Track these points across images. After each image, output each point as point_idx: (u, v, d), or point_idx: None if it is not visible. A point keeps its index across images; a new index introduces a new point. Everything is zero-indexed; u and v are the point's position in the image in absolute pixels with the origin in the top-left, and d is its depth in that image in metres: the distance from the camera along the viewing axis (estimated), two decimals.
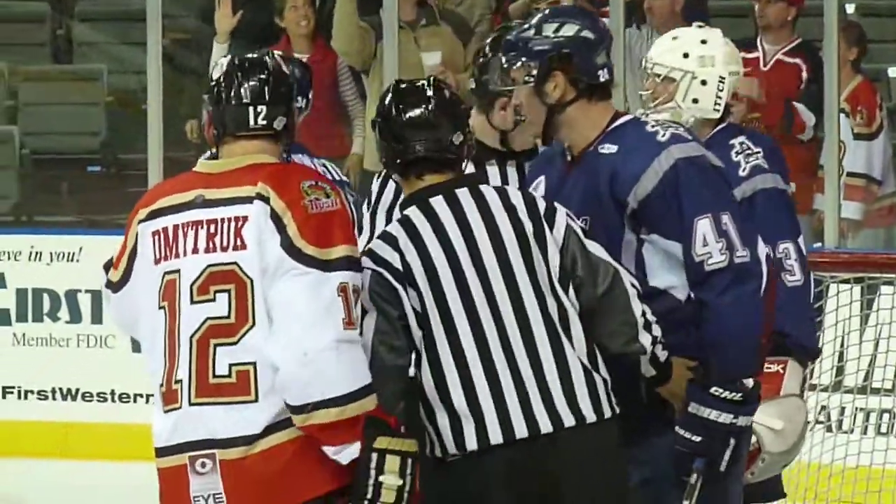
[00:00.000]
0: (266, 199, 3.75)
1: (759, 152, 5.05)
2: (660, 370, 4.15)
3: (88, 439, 9.36)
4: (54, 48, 11.89)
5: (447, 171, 4.06)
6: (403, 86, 4.16)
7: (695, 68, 4.99)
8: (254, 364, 3.79)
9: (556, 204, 4.09)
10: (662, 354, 4.12)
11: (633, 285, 4.07)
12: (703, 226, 4.18)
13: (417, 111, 4.04)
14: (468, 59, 9.33)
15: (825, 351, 7.04)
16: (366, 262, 3.89)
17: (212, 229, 3.81)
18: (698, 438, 4.16)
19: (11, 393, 9.41)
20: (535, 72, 4.23)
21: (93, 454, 9.27)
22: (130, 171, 10.29)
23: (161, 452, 3.90)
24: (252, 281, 3.77)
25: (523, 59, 4.27)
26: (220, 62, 3.87)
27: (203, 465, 3.85)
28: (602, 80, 4.31)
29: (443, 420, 3.93)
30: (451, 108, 4.11)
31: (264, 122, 3.82)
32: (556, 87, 4.20)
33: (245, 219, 3.78)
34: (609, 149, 4.28)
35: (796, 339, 5.11)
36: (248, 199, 3.78)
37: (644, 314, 4.05)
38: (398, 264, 3.93)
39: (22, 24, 11.65)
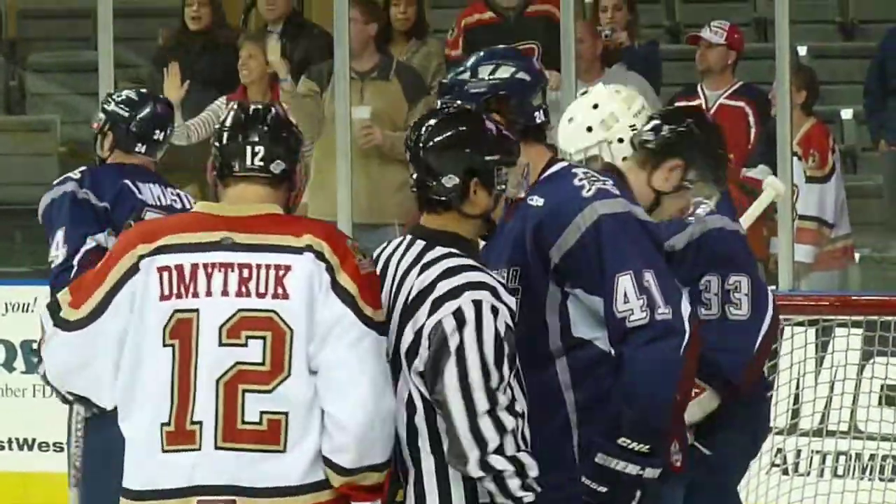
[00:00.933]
0: (319, 254, 3.76)
1: None
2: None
3: (47, 489, 9.29)
4: (7, 99, 12.06)
5: (441, 212, 3.99)
6: (431, 116, 4.12)
7: (604, 135, 4.91)
8: (286, 414, 3.78)
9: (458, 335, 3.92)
10: (514, 486, 3.96)
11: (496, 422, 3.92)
12: (625, 282, 4.13)
13: (412, 145, 4.02)
14: (413, 118, 8.95)
15: (780, 394, 7.16)
16: None
17: (244, 274, 3.79)
18: (604, 489, 4.12)
19: None
20: None
21: None
22: None
23: (155, 495, 3.84)
24: (293, 331, 3.76)
25: (459, 101, 4.23)
26: (229, 108, 3.95)
27: None
28: (538, 121, 4.32)
29: None
30: (456, 146, 4.00)
31: (261, 164, 3.82)
32: None
33: (288, 268, 3.77)
34: (537, 201, 4.25)
35: (720, 371, 5.12)
36: (295, 250, 3.77)
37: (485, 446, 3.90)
38: None
39: None
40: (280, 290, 3.77)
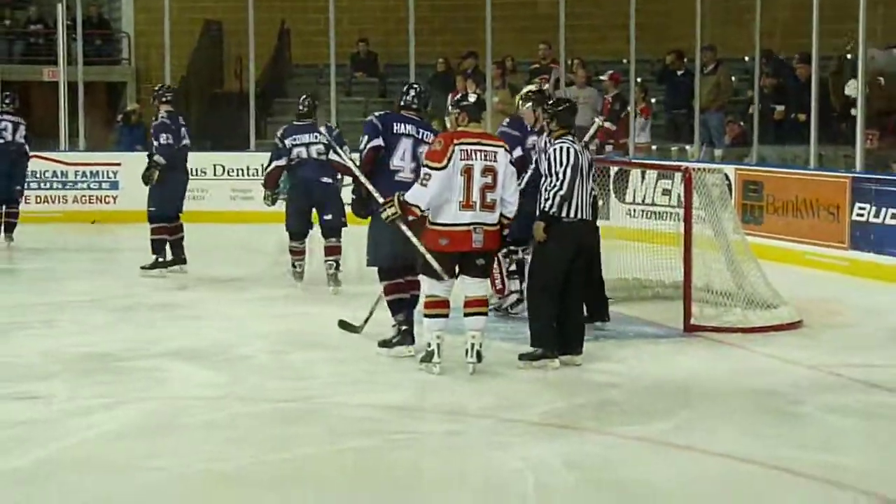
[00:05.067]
0: (505, 148, 8.33)
1: None
2: None
3: None
4: None
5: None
6: None
7: None
8: (497, 200, 8.07)
9: None
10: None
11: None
12: None
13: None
14: None
15: None
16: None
17: (488, 152, 8.08)
18: None
19: None
20: None
21: None
22: None
23: (455, 226, 7.97)
24: (498, 173, 8.09)
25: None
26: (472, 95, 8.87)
27: (477, 230, 8.03)
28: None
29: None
30: None
31: (482, 115, 8.74)
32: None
33: (497, 152, 8.14)
34: None
35: None
36: (500, 146, 8.21)
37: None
38: None
39: None
40: (497, 159, 8.08)
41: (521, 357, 8.26)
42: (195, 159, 17.44)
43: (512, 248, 9.80)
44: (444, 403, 7.47)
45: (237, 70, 19.31)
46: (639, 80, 16.61)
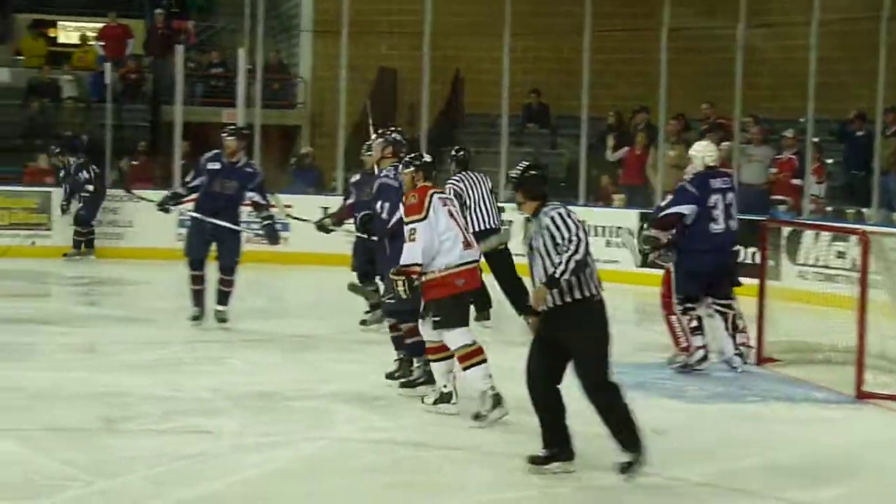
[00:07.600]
0: None
1: None
2: None
3: None
4: None
5: None
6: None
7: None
8: None
9: None
10: None
11: None
12: None
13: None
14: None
15: None
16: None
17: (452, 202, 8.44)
18: None
19: None
20: None
21: None
22: None
23: (464, 265, 7.98)
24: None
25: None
26: None
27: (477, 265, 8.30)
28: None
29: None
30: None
31: None
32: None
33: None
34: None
35: None
36: None
37: None
38: None
39: None
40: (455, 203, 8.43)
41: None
42: None
43: (689, 305, 9.85)
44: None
45: (410, 117, 19.56)
46: (815, 139, 16.37)
